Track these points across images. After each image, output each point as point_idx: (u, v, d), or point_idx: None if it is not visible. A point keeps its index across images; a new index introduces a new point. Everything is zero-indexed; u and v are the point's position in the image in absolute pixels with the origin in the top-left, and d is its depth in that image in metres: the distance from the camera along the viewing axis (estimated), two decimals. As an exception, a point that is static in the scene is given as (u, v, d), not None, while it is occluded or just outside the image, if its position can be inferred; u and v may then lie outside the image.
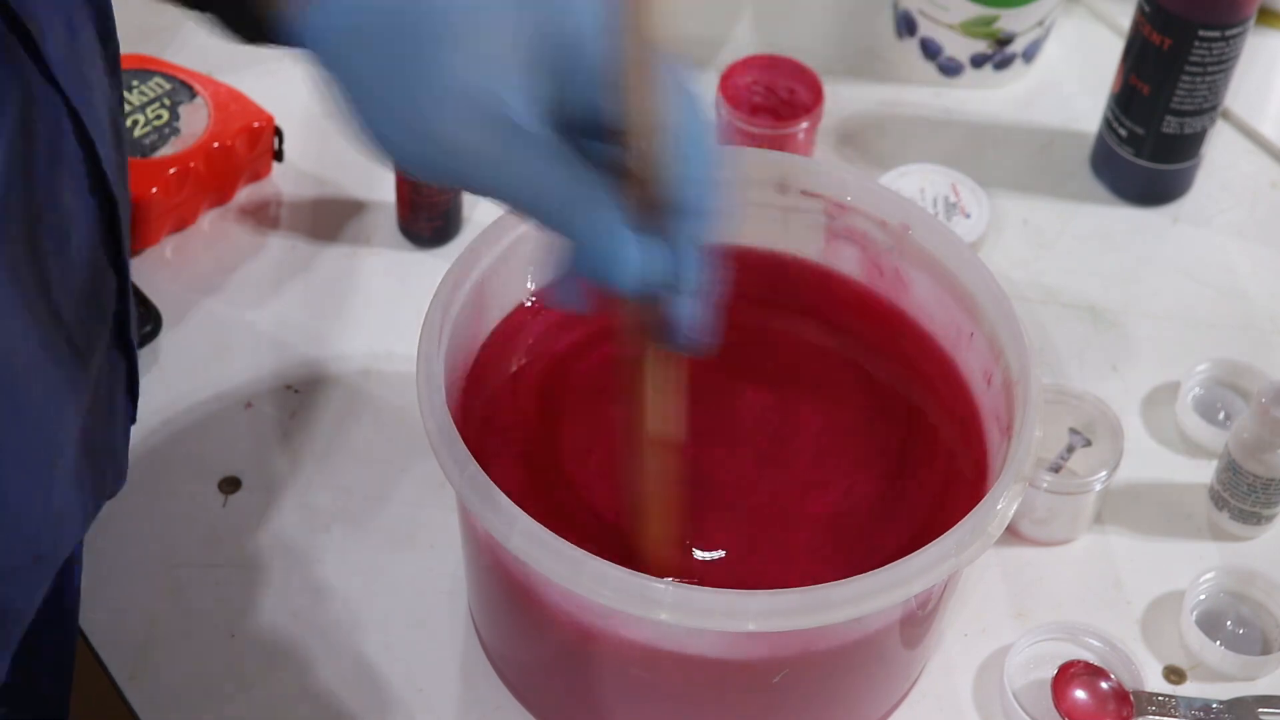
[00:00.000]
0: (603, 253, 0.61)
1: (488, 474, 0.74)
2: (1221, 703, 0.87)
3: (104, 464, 0.71)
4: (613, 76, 0.60)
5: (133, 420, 0.77)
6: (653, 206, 0.62)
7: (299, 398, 0.98)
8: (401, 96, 0.59)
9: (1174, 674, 0.90)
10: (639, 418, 0.72)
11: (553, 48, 0.60)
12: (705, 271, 0.64)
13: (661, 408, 0.72)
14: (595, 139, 0.62)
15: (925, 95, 1.20)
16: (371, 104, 0.59)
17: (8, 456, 0.61)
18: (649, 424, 0.72)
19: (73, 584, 0.79)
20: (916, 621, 0.80)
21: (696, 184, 0.62)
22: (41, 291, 0.62)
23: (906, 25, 1.20)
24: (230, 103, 1.07)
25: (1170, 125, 1.09)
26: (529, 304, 0.88)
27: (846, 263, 0.91)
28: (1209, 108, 1.08)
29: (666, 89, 0.61)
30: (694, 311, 0.65)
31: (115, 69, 0.70)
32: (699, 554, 0.81)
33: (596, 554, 0.71)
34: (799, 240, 0.91)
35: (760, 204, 0.90)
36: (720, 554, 0.81)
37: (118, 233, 0.69)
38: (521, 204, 0.61)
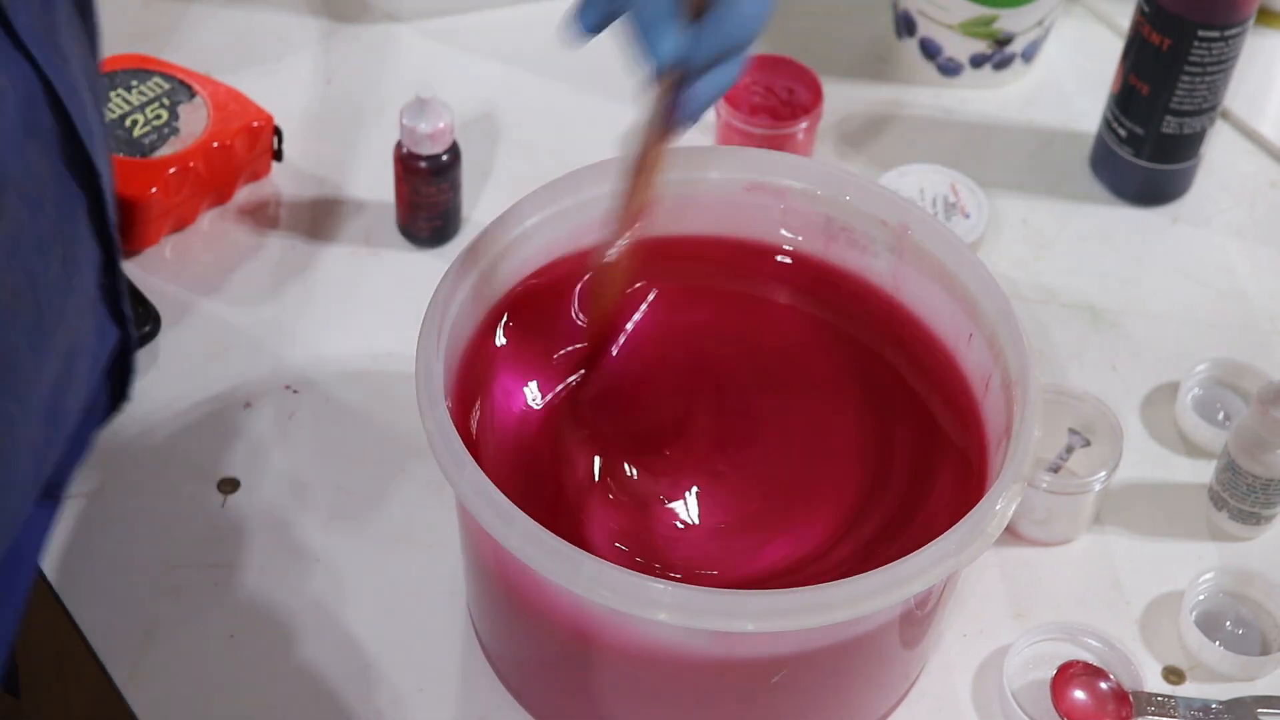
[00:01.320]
0: (650, 30, 0.73)
1: (487, 474, 0.74)
2: (1221, 703, 0.87)
3: (64, 431, 0.70)
4: None
5: (125, 399, 0.76)
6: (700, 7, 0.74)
7: (298, 398, 0.98)
8: None
9: (1173, 674, 0.90)
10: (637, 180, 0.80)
11: None
12: (723, 64, 0.75)
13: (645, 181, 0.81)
14: None
15: (925, 95, 1.20)
16: None
17: None
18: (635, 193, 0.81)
19: (38, 523, 0.76)
20: (915, 621, 0.80)
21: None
22: (9, 256, 0.62)
23: (906, 25, 1.20)
24: (229, 102, 1.07)
25: (1170, 125, 1.09)
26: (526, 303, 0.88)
27: (846, 263, 0.91)
28: (1208, 108, 1.08)
29: None
30: (697, 95, 0.76)
31: (95, 41, 0.70)
32: (697, 549, 0.81)
33: (595, 554, 0.71)
34: (798, 240, 0.91)
35: (759, 204, 0.90)
36: (718, 550, 0.81)
37: (102, 203, 0.69)
38: None
